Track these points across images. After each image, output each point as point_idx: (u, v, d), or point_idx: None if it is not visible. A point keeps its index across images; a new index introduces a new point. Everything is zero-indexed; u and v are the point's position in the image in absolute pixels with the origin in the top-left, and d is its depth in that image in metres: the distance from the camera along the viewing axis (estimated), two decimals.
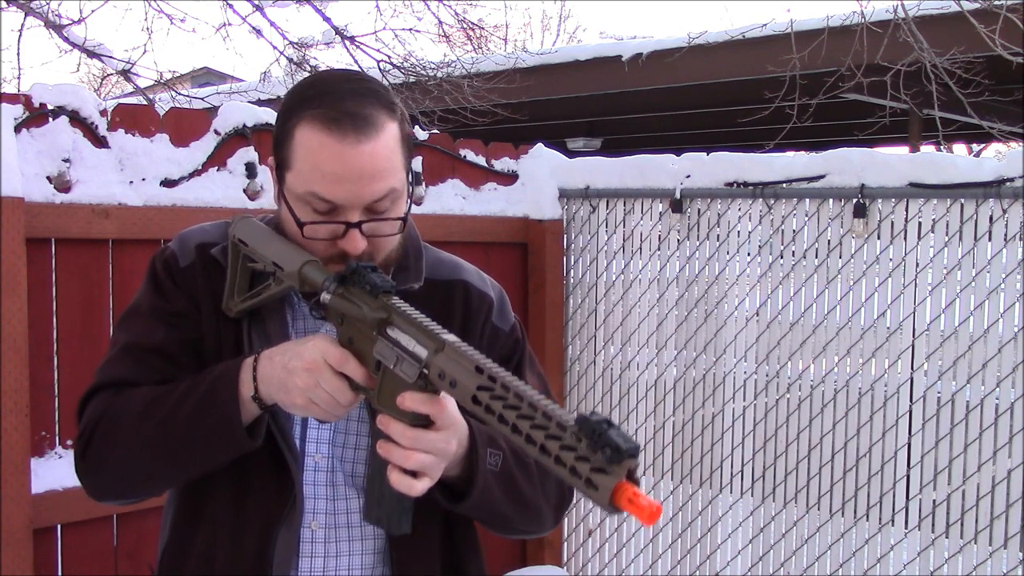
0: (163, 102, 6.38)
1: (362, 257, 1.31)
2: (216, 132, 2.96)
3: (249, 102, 3.58)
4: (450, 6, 6.87)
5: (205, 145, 2.93)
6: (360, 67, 6.43)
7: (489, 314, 1.48)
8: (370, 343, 1.22)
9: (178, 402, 1.30)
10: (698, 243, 3.63)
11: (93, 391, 1.42)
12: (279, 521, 1.33)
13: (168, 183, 2.82)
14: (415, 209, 3.47)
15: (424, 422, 1.18)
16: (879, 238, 3.20)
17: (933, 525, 3.08)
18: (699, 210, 3.62)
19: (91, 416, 1.38)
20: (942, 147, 8.01)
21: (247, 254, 1.37)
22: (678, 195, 3.63)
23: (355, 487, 1.38)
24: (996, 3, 5.29)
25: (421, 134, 3.52)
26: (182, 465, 1.32)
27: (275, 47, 6.54)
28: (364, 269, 1.24)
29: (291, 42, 6.53)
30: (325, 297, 1.26)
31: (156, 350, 1.37)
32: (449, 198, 3.68)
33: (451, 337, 1.16)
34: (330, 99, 1.30)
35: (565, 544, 4.07)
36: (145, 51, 7.69)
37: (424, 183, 3.50)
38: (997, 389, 2.96)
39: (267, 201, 3.02)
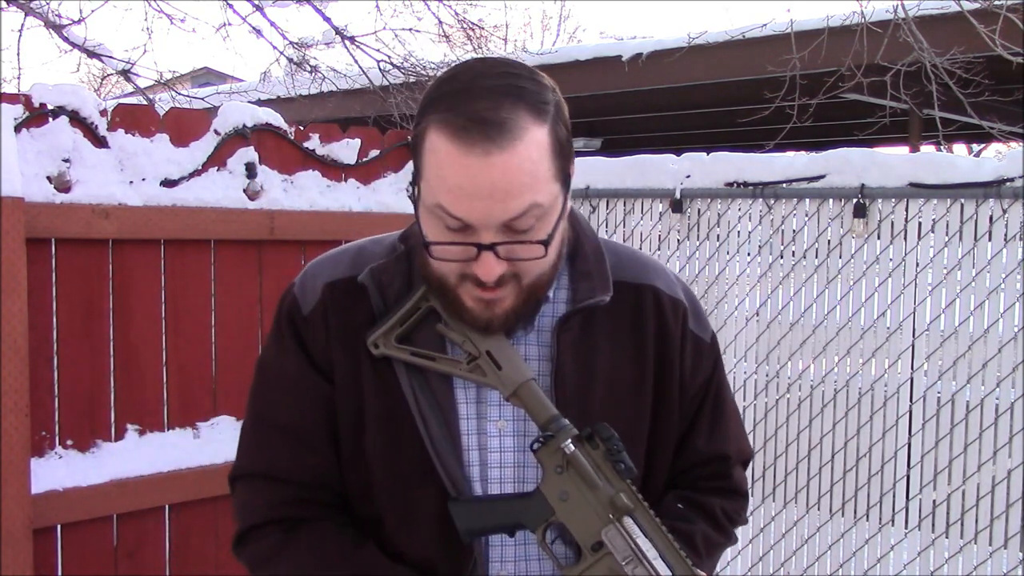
0: (163, 102, 6.38)
1: (501, 281, 1.16)
2: (216, 132, 2.96)
3: (249, 102, 3.58)
4: (450, 6, 6.87)
5: (205, 145, 2.93)
6: (360, 67, 6.43)
7: (686, 323, 1.34)
8: (595, 518, 1.16)
9: None
10: (698, 243, 3.63)
11: (239, 477, 1.34)
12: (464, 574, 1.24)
13: (168, 183, 2.82)
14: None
15: None
16: (879, 238, 3.19)
17: (933, 525, 3.08)
18: (699, 210, 3.62)
19: (248, 538, 1.31)
20: (942, 147, 8.01)
21: (443, 315, 1.23)
22: (678, 195, 3.63)
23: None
24: (996, 3, 5.29)
25: None
26: None
27: (275, 47, 6.55)
28: (617, 441, 1.17)
29: (291, 42, 6.53)
30: (569, 448, 1.17)
31: (282, 429, 1.29)
32: None
33: (700, 573, 1.13)
34: (462, 99, 1.13)
35: None
36: (145, 51, 7.71)
37: None
38: (997, 389, 2.96)
39: (267, 201, 3.02)
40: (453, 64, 1.44)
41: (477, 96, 1.12)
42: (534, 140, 1.13)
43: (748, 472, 1.52)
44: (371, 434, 1.26)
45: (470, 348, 1.22)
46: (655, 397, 1.31)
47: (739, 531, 1.44)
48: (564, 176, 1.19)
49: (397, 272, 1.28)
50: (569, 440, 1.17)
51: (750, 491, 3.47)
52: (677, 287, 1.38)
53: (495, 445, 1.26)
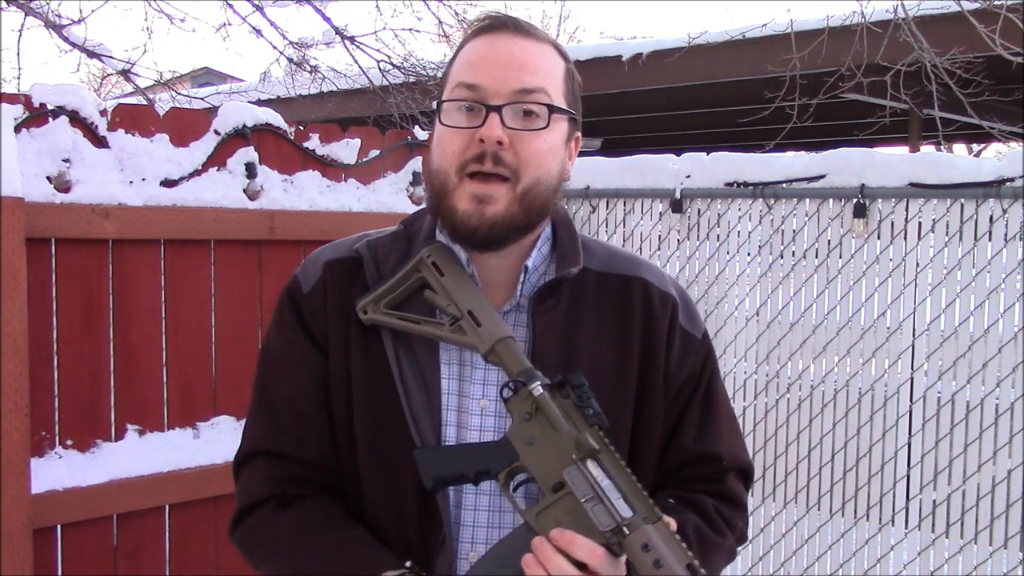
0: (163, 102, 6.38)
1: (499, 160, 1.19)
2: (216, 132, 2.95)
3: (249, 102, 3.58)
4: (450, 6, 6.87)
5: (205, 145, 2.93)
6: (360, 67, 6.44)
7: (675, 316, 1.34)
8: (559, 460, 1.14)
9: None
10: (698, 243, 3.63)
11: (243, 458, 1.36)
12: (435, 553, 1.24)
13: (168, 183, 2.82)
14: (415, 209, 3.47)
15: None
16: (879, 238, 3.19)
17: (933, 525, 3.08)
18: (699, 210, 3.62)
19: (245, 518, 1.32)
20: (942, 147, 8.01)
21: (431, 283, 1.26)
22: (678, 195, 3.63)
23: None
24: (996, 3, 5.28)
25: (421, 134, 3.52)
26: None
27: (275, 47, 6.54)
28: (588, 390, 1.16)
29: (291, 42, 6.53)
30: (538, 390, 1.17)
31: (285, 406, 1.31)
32: None
33: (665, 516, 1.11)
34: (490, 20, 1.27)
35: None
36: (145, 51, 7.71)
37: (424, 183, 3.49)
38: (997, 389, 2.96)
39: (267, 201, 3.02)
40: None
41: (509, 18, 1.27)
42: (554, 58, 1.26)
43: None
44: (357, 404, 1.27)
45: (454, 311, 1.24)
46: (639, 386, 1.30)
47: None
48: (574, 111, 1.29)
49: (394, 248, 1.32)
50: (538, 383, 1.17)
51: (750, 492, 3.48)
52: (669, 283, 1.38)
53: (475, 424, 1.27)
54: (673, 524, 1.12)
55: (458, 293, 1.24)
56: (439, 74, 6.86)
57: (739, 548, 1.39)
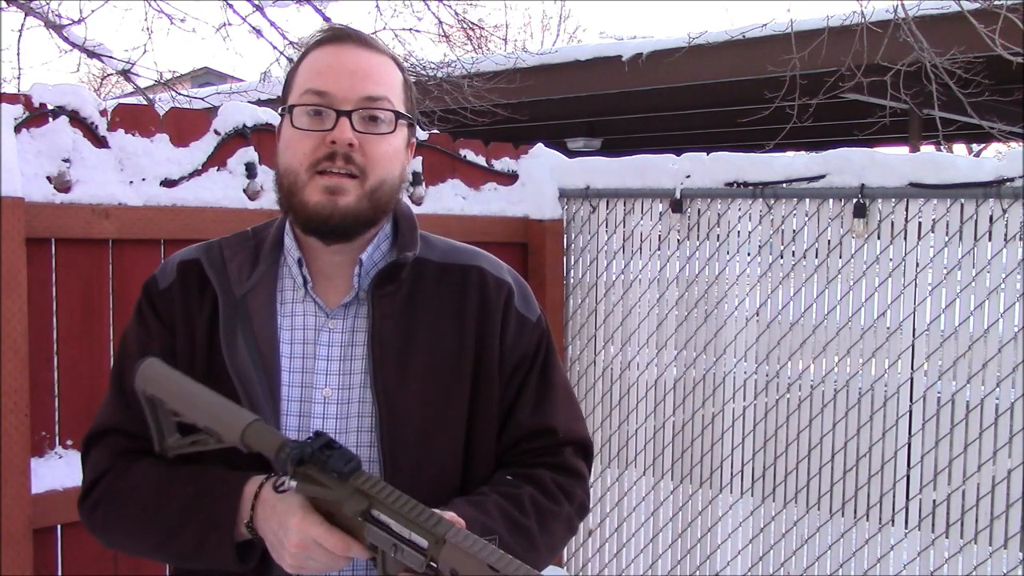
0: (163, 102, 6.37)
1: (349, 159, 1.27)
2: (216, 132, 2.96)
3: (249, 102, 3.58)
4: (450, 6, 6.87)
5: (205, 145, 2.93)
6: None
7: (510, 300, 1.42)
8: (357, 524, 1.11)
9: (177, 521, 1.28)
10: (698, 243, 3.63)
11: (92, 436, 1.42)
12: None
13: (168, 183, 2.82)
14: (416, 209, 3.48)
15: None
16: (879, 238, 3.20)
17: (933, 525, 3.08)
18: (699, 210, 3.62)
19: (96, 486, 1.39)
20: (942, 147, 8.01)
21: (168, 408, 1.25)
22: (678, 195, 3.63)
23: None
24: (996, 3, 5.29)
25: (421, 134, 3.52)
26: (178, 565, 1.36)
27: (275, 47, 6.53)
28: (320, 452, 1.11)
29: (291, 42, 6.52)
30: (290, 485, 1.15)
31: (136, 393, 1.34)
32: (449, 198, 3.68)
33: (448, 515, 1.10)
34: (333, 31, 1.35)
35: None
36: (145, 51, 7.70)
37: (424, 183, 3.49)
38: (997, 389, 2.96)
39: (267, 201, 3.02)
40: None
41: (348, 29, 1.35)
42: (393, 70, 1.34)
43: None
44: None
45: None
46: (475, 366, 1.37)
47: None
48: (412, 116, 1.37)
49: (241, 248, 1.40)
50: (288, 478, 1.16)
51: (750, 491, 3.48)
52: (505, 272, 1.46)
53: (318, 412, 1.33)
54: (460, 522, 1.13)
55: (186, 410, 1.23)
56: (439, 74, 6.86)
57: (579, 520, 1.45)
